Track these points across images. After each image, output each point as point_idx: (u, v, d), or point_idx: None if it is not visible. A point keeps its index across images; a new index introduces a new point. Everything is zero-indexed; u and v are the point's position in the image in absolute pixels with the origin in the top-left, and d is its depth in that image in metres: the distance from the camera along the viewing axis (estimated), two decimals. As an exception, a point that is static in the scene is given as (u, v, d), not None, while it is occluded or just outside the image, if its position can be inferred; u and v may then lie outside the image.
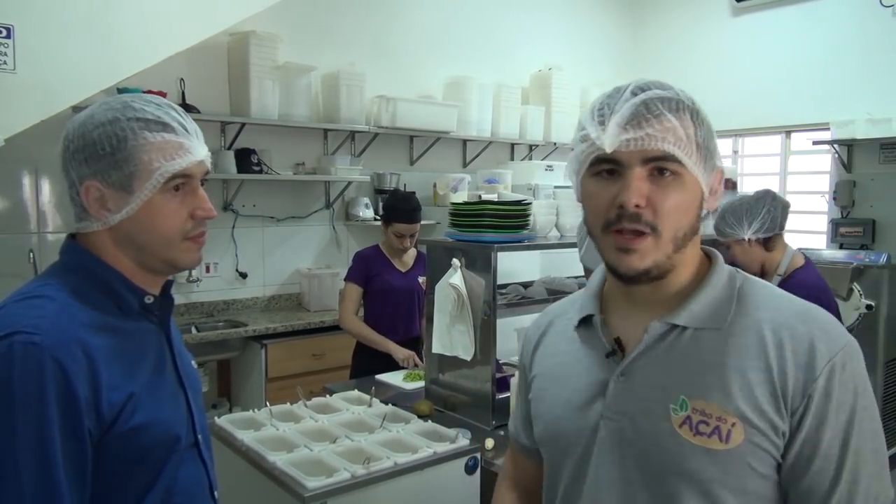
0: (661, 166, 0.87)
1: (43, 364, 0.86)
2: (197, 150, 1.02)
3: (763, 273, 2.40)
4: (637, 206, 0.86)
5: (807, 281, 2.37)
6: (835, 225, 4.95)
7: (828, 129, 4.86)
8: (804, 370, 0.85)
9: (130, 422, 0.94)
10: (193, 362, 1.17)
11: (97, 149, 0.97)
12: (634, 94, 0.88)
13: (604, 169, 0.90)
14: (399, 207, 3.10)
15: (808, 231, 5.26)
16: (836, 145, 4.88)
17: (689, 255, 0.93)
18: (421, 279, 3.05)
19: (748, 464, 0.85)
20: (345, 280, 3.20)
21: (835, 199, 4.98)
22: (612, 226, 0.89)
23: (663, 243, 0.88)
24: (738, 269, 0.97)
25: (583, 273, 2.28)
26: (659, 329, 0.92)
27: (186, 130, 1.02)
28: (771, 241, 2.42)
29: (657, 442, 0.89)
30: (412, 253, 3.23)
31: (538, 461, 1.09)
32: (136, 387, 0.96)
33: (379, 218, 4.46)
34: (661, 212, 0.87)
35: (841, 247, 4.86)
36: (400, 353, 3.00)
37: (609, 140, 0.87)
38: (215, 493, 1.12)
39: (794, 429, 0.85)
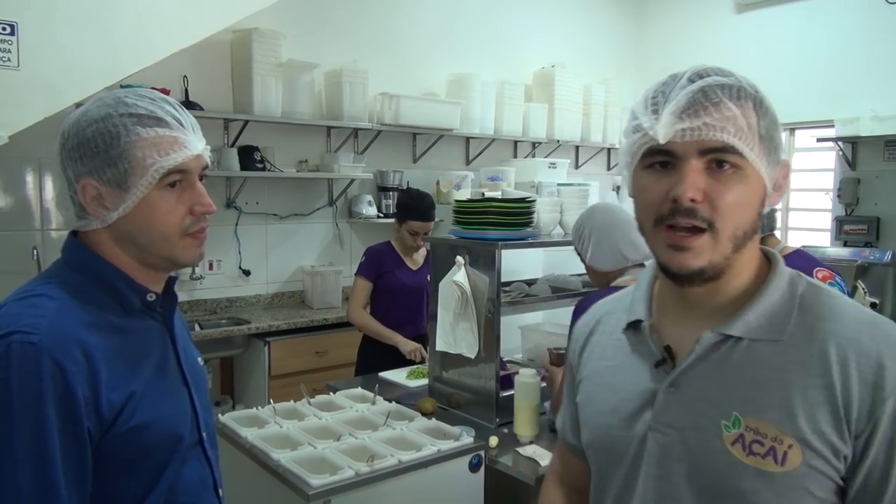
0: (720, 158, 0.80)
1: (41, 364, 0.85)
2: (193, 144, 1.00)
3: None
4: (693, 199, 0.80)
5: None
6: (839, 222, 4.94)
7: (832, 126, 4.85)
8: (871, 390, 0.78)
9: (131, 421, 0.93)
10: (200, 359, 1.16)
11: (91, 146, 0.96)
12: (692, 80, 0.82)
13: (657, 161, 0.84)
14: (414, 206, 3.11)
15: (813, 228, 5.25)
16: (840, 143, 4.87)
17: (747, 257, 0.86)
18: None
19: (805, 488, 0.79)
20: (355, 275, 3.20)
21: (839, 196, 4.97)
22: (664, 220, 0.83)
23: (721, 242, 0.81)
24: (801, 273, 0.90)
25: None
26: (711, 340, 0.86)
27: (182, 125, 1.00)
28: (763, 242, 2.43)
29: (707, 460, 0.84)
30: (423, 251, 3.23)
31: (585, 461, 1.05)
32: (136, 386, 0.95)
33: (383, 215, 4.47)
34: (719, 207, 0.80)
35: (845, 244, 4.85)
36: (407, 345, 3.00)
37: (663, 130, 0.81)
38: (220, 490, 1.11)
39: (858, 453, 0.79)
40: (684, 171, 0.81)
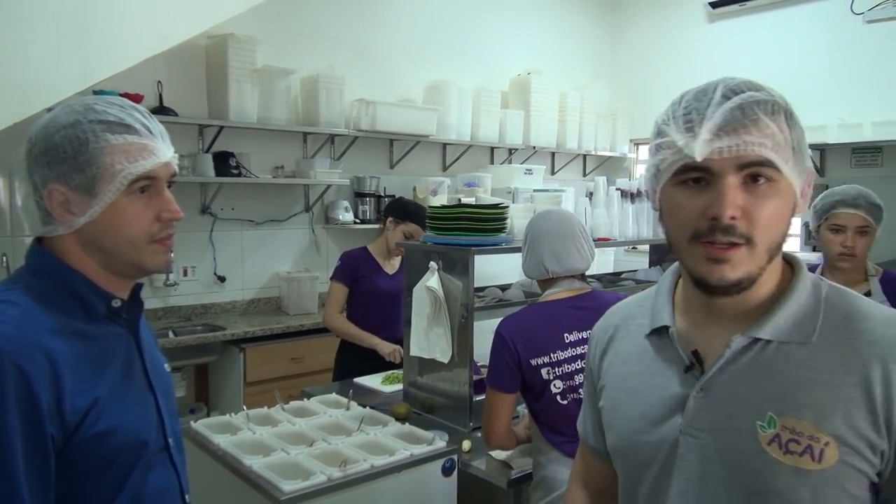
0: (756, 173, 0.81)
1: (3, 370, 0.85)
2: (162, 151, 1.01)
3: None
4: (732, 217, 0.81)
5: None
6: (808, 228, 5.04)
7: (801, 133, 4.95)
8: None
9: (95, 427, 0.93)
10: (167, 366, 1.16)
11: (59, 152, 0.96)
12: (726, 97, 0.82)
13: (690, 177, 0.84)
14: (417, 212, 3.11)
15: (783, 234, 5.34)
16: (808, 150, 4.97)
17: (773, 264, 0.87)
18: None
19: (841, 485, 0.81)
20: (331, 279, 3.19)
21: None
22: (701, 237, 0.83)
23: (758, 254, 0.83)
24: (822, 277, 0.92)
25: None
26: (742, 343, 0.87)
27: (151, 132, 1.01)
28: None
29: (744, 460, 0.85)
30: (399, 256, 3.24)
31: (608, 463, 1.07)
32: (101, 392, 0.95)
33: (359, 221, 4.47)
34: (757, 222, 0.81)
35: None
36: (385, 347, 3.00)
37: (699, 148, 0.81)
38: (186, 496, 1.12)
39: (894, 447, 0.80)
40: (723, 189, 0.81)
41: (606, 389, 1.04)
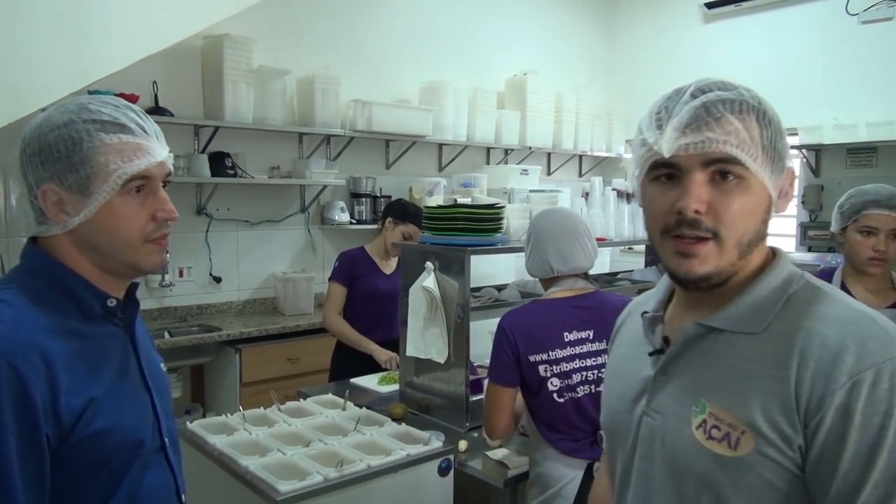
0: (723, 169, 0.84)
1: None
2: (156, 151, 1.01)
3: None
4: (696, 211, 0.83)
5: None
6: (803, 228, 5.05)
7: (795, 134, 4.96)
8: (822, 382, 0.79)
9: (91, 427, 0.93)
10: (163, 366, 1.16)
11: (53, 151, 0.96)
12: (694, 96, 0.85)
13: (662, 174, 0.87)
14: (416, 212, 3.11)
15: (778, 234, 5.36)
16: (803, 150, 4.99)
17: (753, 260, 0.89)
18: None
19: (761, 475, 0.82)
20: (330, 280, 3.19)
21: (803, 202, 5.08)
22: (670, 231, 0.87)
23: (727, 249, 0.85)
24: (805, 274, 0.91)
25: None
26: (692, 330, 0.90)
27: (145, 131, 1.00)
28: None
29: (678, 443, 0.89)
30: (397, 257, 3.24)
31: None
32: (96, 391, 0.95)
33: (355, 222, 4.47)
34: (723, 217, 0.84)
35: (809, 249, 4.96)
36: (383, 354, 3.01)
37: (666, 145, 0.84)
38: (182, 496, 1.11)
39: (808, 444, 0.80)
40: (688, 184, 0.84)
41: (605, 371, 1.13)
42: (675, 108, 0.86)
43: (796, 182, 0.90)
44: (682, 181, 0.85)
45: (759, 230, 0.87)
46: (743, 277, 0.90)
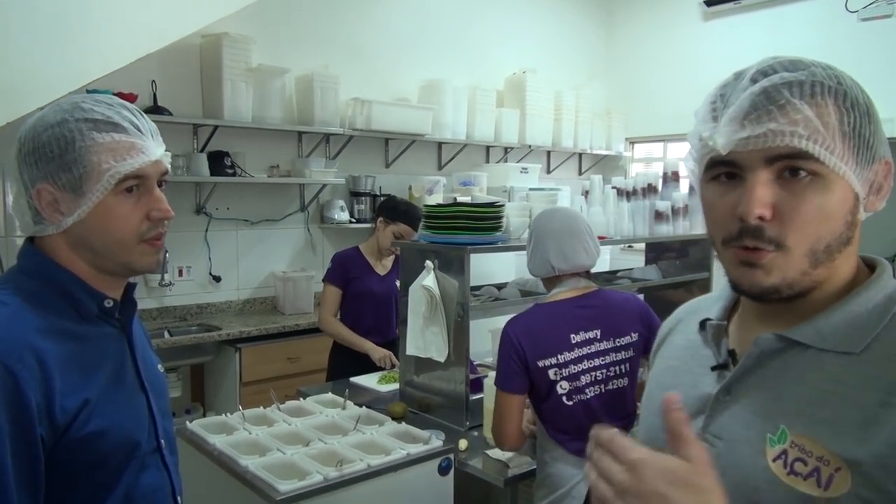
0: (793, 165, 0.71)
1: None
2: (151, 149, 1.00)
3: None
4: (760, 217, 0.71)
5: None
6: None
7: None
8: None
9: (86, 428, 0.93)
10: (161, 367, 1.15)
11: (46, 151, 0.95)
12: (755, 80, 0.73)
13: (722, 172, 0.75)
14: (409, 211, 3.09)
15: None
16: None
17: (842, 269, 0.76)
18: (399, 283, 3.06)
19: None
20: (324, 281, 3.19)
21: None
22: (732, 242, 0.74)
23: (794, 259, 0.72)
24: None
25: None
26: (769, 343, 0.77)
27: (139, 130, 0.99)
28: None
29: (747, 476, 0.74)
30: (392, 256, 3.23)
31: None
32: (92, 392, 0.95)
33: (355, 220, 4.46)
34: (791, 223, 0.71)
35: None
36: (377, 352, 3.00)
37: (722, 140, 0.73)
38: (179, 497, 1.11)
39: None
40: (750, 185, 0.72)
41: (648, 383, 0.98)
42: (733, 95, 0.74)
43: (892, 175, 0.77)
44: (743, 181, 0.73)
45: (841, 234, 0.73)
46: (832, 289, 0.76)
